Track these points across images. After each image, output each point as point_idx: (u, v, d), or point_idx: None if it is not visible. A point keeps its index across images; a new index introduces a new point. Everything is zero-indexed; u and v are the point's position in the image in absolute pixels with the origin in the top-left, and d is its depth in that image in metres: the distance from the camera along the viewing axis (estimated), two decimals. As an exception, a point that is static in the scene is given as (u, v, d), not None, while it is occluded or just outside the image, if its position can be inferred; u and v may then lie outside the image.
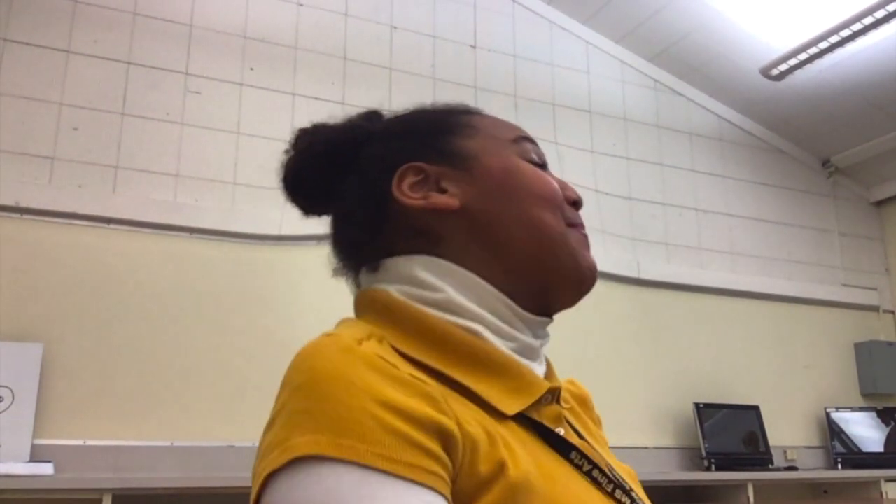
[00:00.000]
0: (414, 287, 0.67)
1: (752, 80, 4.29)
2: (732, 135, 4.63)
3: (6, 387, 2.67)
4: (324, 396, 0.52)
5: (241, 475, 2.49)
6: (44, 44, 3.07)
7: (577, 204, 0.74)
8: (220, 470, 2.84)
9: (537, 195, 0.70)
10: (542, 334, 0.71)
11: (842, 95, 4.28)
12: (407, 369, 0.57)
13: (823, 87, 4.24)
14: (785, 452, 4.15)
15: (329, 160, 0.74)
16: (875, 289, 4.83)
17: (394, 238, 0.70)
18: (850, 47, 3.89)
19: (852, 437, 4.25)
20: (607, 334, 3.85)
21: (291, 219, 3.43)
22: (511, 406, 0.62)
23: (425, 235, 0.69)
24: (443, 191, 0.70)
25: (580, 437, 0.70)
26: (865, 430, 4.28)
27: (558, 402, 0.68)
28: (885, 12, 3.62)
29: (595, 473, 0.64)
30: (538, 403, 0.65)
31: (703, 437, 3.84)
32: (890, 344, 4.64)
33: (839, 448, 4.21)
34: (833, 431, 4.25)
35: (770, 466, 3.92)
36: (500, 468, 0.55)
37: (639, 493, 0.69)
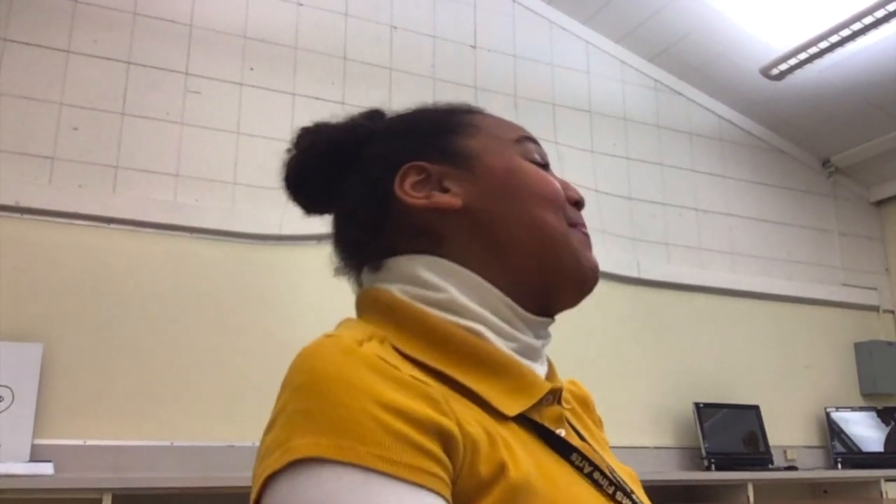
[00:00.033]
0: (416, 287, 0.67)
1: (752, 80, 4.29)
2: (732, 135, 4.63)
3: (6, 387, 2.67)
4: (324, 398, 0.52)
5: (241, 475, 2.49)
6: (44, 44, 3.07)
7: (578, 204, 0.73)
8: (220, 470, 2.84)
9: (539, 195, 0.69)
10: (543, 334, 0.70)
11: (842, 95, 4.28)
12: (408, 370, 0.56)
13: (823, 87, 4.24)
14: (785, 452, 4.15)
15: (331, 159, 0.74)
16: (875, 289, 4.83)
17: (396, 237, 0.70)
18: (850, 47, 3.89)
19: (852, 437, 4.25)
20: (607, 334, 3.85)
21: (291, 219, 3.43)
22: (512, 407, 0.62)
23: (427, 235, 0.69)
24: (445, 190, 0.70)
25: (581, 438, 0.70)
26: (865, 430, 4.28)
27: (559, 402, 0.68)
28: (885, 12, 3.62)
29: (596, 475, 0.63)
30: (539, 404, 0.65)
31: (703, 437, 3.84)
32: (890, 344, 4.64)
33: (839, 448, 4.21)
34: (833, 431, 4.25)
35: (770, 466, 3.92)
36: (501, 469, 0.55)
37: (640, 495, 0.69)
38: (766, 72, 4.15)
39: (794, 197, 4.75)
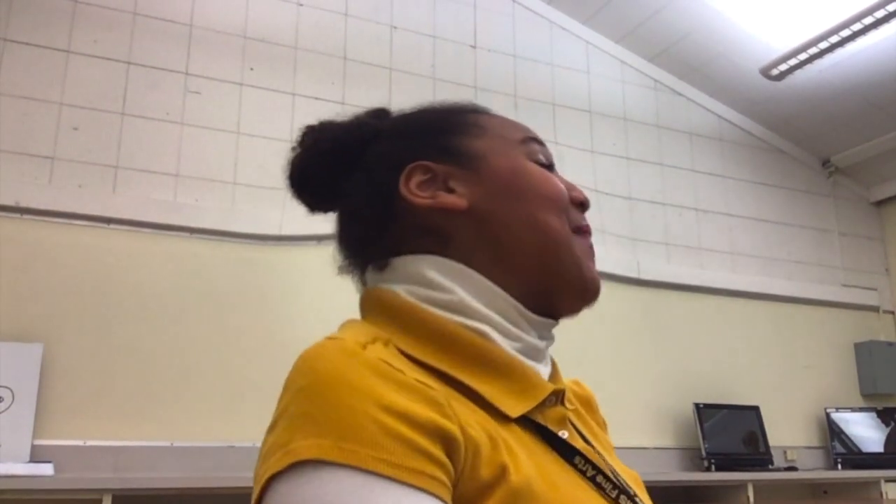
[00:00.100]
0: (423, 287, 0.67)
1: (752, 80, 4.29)
2: (732, 135, 4.63)
3: (6, 387, 2.67)
4: (326, 400, 0.52)
5: (241, 475, 2.49)
6: (44, 44, 3.07)
7: (583, 205, 0.73)
8: (220, 470, 2.84)
9: (543, 197, 0.69)
10: (547, 336, 0.70)
11: (842, 95, 4.28)
12: (412, 373, 0.56)
13: (823, 87, 4.24)
14: (785, 453, 4.15)
15: (336, 157, 0.74)
16: (875, 289, 4.83)
17: (401, 236, 0.70)
18: (850, 47, 3.89)
19: (852, 438, 4.25)
20: (607, 334, 3.85)
21: (291, 219, 3.43)
22: (515, 408, 0.62)
23: (433, 235, 0.69)
24: (450, 191, 0.69)
25: (584, 440, 0.70)
26: (865, 431, 4.28)
27: (563, 403, 0.68)
28: (885, 12, 3.62)
29: (599, 479, 0.63)
30: (542, 405, 0.65)
31: (703, 438, 3.84)
32: (890, 344, 4.64)
33: (839, 448, 4.21)
34: (833, 431, 4.25)
35: (770, 467, 3.92)
36: (502, 472, 0.54)
37: (643, 498, 0.69)
38: (766, 72, 4.15)
39: (794, 197, 4.75)
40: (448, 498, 0.52)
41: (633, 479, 0.72)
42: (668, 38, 4.21)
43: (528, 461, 0.57)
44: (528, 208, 0.69)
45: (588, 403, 0.81)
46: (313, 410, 0.52)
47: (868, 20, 3.67)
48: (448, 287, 0.66)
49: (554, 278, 0.68)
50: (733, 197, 4.52)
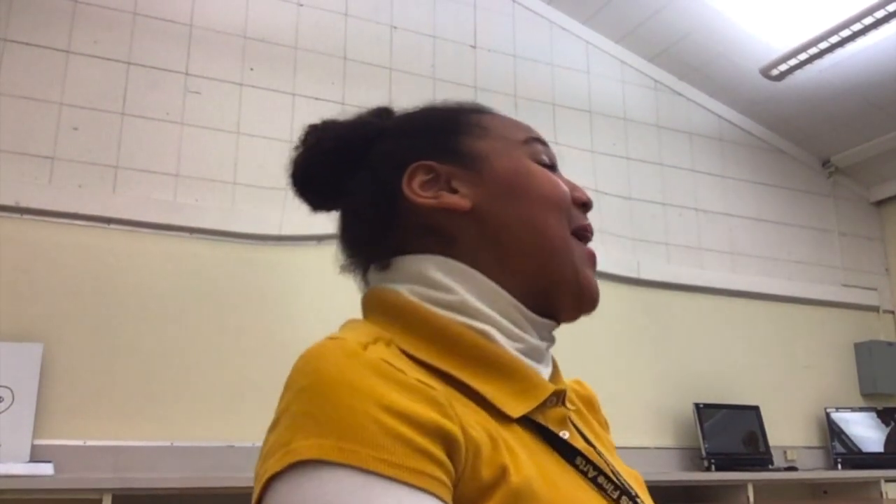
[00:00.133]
0: (426, 287, 0.67)
1: (752, 80, 4.29)
2: (732, 135, 4.63)
3: (6, 387, 2.67)
4: (327, 400, 0.52)
5: (241, 475, 2.50)
6: (44, 44, 3.07)
7: (586, 206, 0.73)
8: (220, 470, 2.84)
9: (545, 198, 0.69)
10: (548, 337, 0.70)
11: (842, 95, 4.28)
12: (414, 373, 0.56)
13: (823, 87, 4.24)
14: (785, 452, 4.15)
15: (338, 156, 0.73)
16: (875, 289, 4.83)
17: (404, 236, 0.70)
18: (850, 47, 3.89)
19: (852, 438, 4.25)
20: (607, 334, 3.85)
21: (292, 219, 3.43)
22: (516, 408, 0.62)
23: (436, 234, 0.69)
24: (453, 191, 0.69)
25: (586, 440, 0.70)
26: (865, 431, 4.28)
27: (564, 404, 0.68)
28: (885, 12, 3.62)
29: (600, 480, 0.63)
30: (543, 406, 0.65)
31: (703, 438, 3.84)
32: (890, 344, 4.64)
33: (839, 448, 4.21)
34: (833, 431, 4.25)
35: (770, 467, 3.92)
36: (503, 473, 0.54)
37: (644, 498, 0.69)
38: (766, 72, 4.15)
39: (794, 197, 4.75)
40: (448, 498, 0.52)
41: (635, 479, 0.72)
42: (668, 38, 4.21)
43: (528, 462, 0.57)
44: (530, 209, 0.69)
45: (590, 403, 0.81)
46: (314, 410, 0.52)
47: (868, 20, 3.67)
48: (451, 287, 0.66)
49: (551, 281, 0.68)
50: (733, 197, 4.52)
